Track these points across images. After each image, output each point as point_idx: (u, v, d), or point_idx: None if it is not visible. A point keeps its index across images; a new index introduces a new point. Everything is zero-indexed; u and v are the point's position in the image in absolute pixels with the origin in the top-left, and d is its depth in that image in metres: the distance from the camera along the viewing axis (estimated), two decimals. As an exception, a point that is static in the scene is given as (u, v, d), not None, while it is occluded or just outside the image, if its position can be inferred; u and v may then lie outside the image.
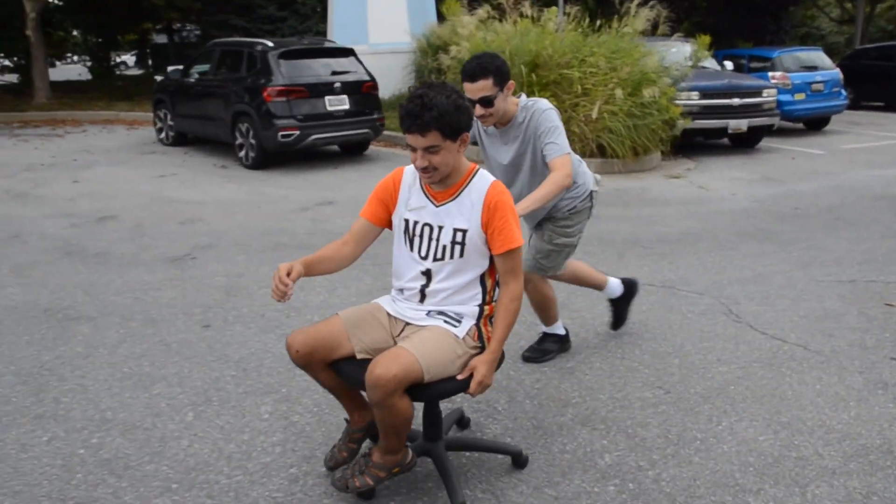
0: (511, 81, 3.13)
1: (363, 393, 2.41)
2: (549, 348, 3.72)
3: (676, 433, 2.96)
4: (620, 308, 3.91)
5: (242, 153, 9.20)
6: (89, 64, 21.24)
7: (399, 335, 2.53)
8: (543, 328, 3.75)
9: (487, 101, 3.04)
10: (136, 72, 22.28)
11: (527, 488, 2.63)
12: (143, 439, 2.96)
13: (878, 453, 2.81)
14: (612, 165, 8.67)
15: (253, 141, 8.94)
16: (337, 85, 8.98)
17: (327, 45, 10.05)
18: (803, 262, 5.24)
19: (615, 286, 3.84)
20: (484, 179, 2.46)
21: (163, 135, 11.44)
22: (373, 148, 10.57)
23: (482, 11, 10.25)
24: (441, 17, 13.42)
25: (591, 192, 3.42)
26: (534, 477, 2.71)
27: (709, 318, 4.20)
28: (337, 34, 12.98)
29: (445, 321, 2.47)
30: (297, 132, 8.66)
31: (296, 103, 8.69)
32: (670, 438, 2.93)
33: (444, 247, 2.47)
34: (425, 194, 2.50)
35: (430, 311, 2.52)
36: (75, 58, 21.89)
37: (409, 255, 2.54)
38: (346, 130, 9.16)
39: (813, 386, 3.36)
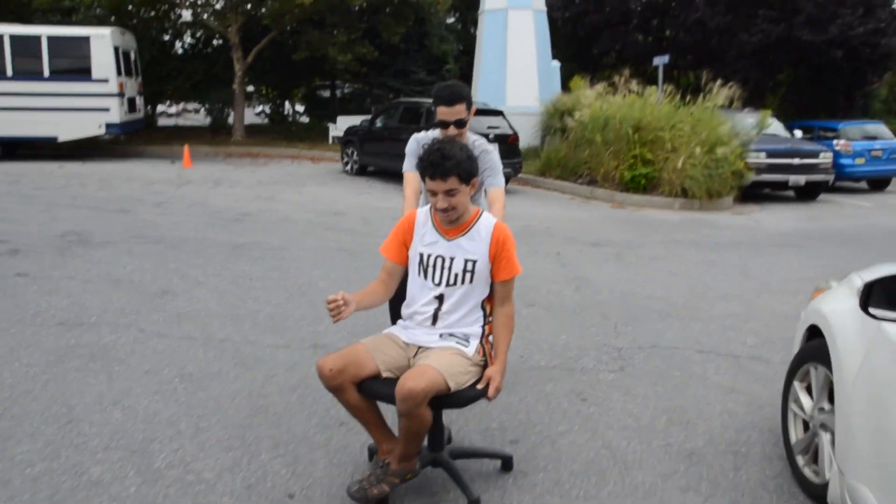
0: (474, 106, 3.60)
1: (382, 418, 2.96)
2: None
3: (691, 305, 5.99)
4: None
5: (418, 181, 12.68)
6: (268, 111, 25.87)
7: (414, 357, 2.92)
8: None
9: (462, 123, 3.48)
10: (295, 119, 26.80)
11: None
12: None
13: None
14: (692, 204, 11.64)
15: (427, 172, 12.39)
16: (491, 136, 12.34)
17: (483, 107, 13.53)
18: (804, 257, 8.12)
19: None
20: (489, 219, 2.96)
21: (348, 167, 15.15)
22: (511, 185, 13.87)
23: (600, 87, 13.58)
24: (564, 88, 16.76)
25: None
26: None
27: (729, 273, 7.20)
28: (481, 97, 16.46)
29: (457, 342, 2.89)
30: (462, 167, 12.06)
31: (461, 147, 12.11)
32: (682, 303, 5.97)
33: (457, 274, 2.91)
34: (437, 231, 2.95)
35: (441, 334, 2.94)
36: (258, 107, 26.52)
37: (422, 283, 2.97)
38: (494, 168, 12.49)
39: (779, 301, 6.32)
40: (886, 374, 2.29)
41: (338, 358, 2.79)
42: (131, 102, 17.35)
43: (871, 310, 2.29)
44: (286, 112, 26.51)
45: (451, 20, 25.57)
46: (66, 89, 15.93)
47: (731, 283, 6.79)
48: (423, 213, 3.02)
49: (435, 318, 2.95)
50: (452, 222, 2.91)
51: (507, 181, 12.99)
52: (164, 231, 8.62)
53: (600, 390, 4.15)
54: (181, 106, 27.21)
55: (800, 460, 3.09)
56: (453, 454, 3.10)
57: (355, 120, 17.39)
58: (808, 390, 3.12)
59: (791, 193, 13.75)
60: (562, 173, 13.71)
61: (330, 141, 20.43)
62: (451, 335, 2.92)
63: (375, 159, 14.31)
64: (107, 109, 16.17)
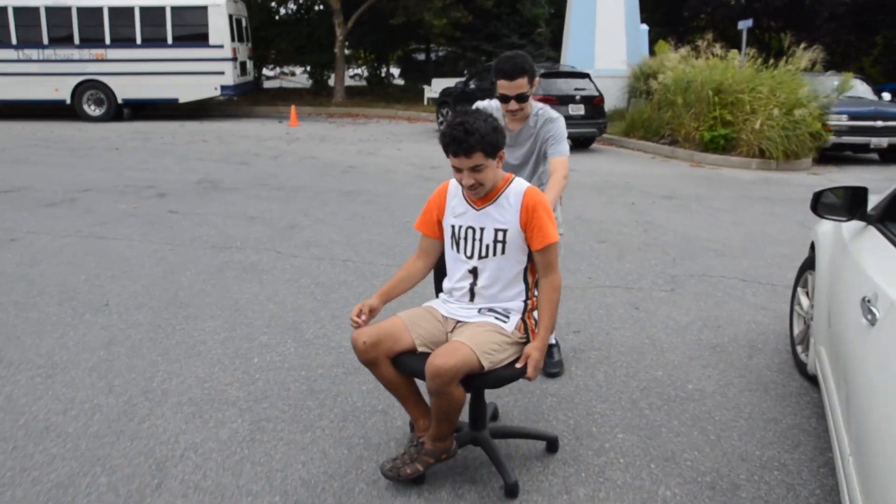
0: (537, 78, 3.47)
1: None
2: (557, 357, 3.96)
3: (745, 247, 6.76)
4: None
5: (507, 140, 13.59)
6: (366, 74, 27.17)
7: (452, 332, 2.81)
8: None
9: (523, 98, 3.40)
10: (400, 82, 28.04)
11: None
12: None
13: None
14: (769, 164, 12.15)
15: (516, 131, 13.30)
16: (577, 97, 13.14)
17: (571, 69, 14.29)
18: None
19: None
20: (520, 185, 2.79)
21: (443, 126, 16.15)
22: (595, 145, 14.62)
23: (683, 51, 14.11)
24: (652, 52, 17.24)
25: None
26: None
27: (788, 224, 7.86)
28: (570, 60, 17.15)
29: (496, 318, 2.76)
30: (548, 127, 12.90)
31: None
32: (738, 245, 6.74)
33: (488, 245, 2.77)
34: (466, 201, 2.81)
35: (480, 309, 2.81)
36: (356, 70, 27.87)
37: (456, 257, 2.86)
38: (580, 129, 13.30)
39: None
40: (836, 262, 3.16)
41: (372, 331, 2.72)
42: (242, 66, 18.83)
43: (819, 212, 3.16)
44: (383, 75, 27.78)
45: (543, -17, 26.06)
46: (186, 55, 17.49)
47: (788, 231, 7.49)
48: (454, 183, 2.88)
49: (472, 294, 2.84)
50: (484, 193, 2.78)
51: (592, 141, 14.06)
52: (283, 180, 9.87)
53: (651, 303, 5.06)
54: (278, 69, 28.80)
55: (798, 349, 3.96)
56: (495, 433, 3.02)
57: (449, 82, 18.39)
58: (808, 294, 3.97)
59: (875, 156, 13.98)
60: (645, 134, 14.35)
61: (425, 102, 21.46)
62: (490, 310, 2.80)
63: (466, 119, 15.30)
64: (222, 73, 17.69)
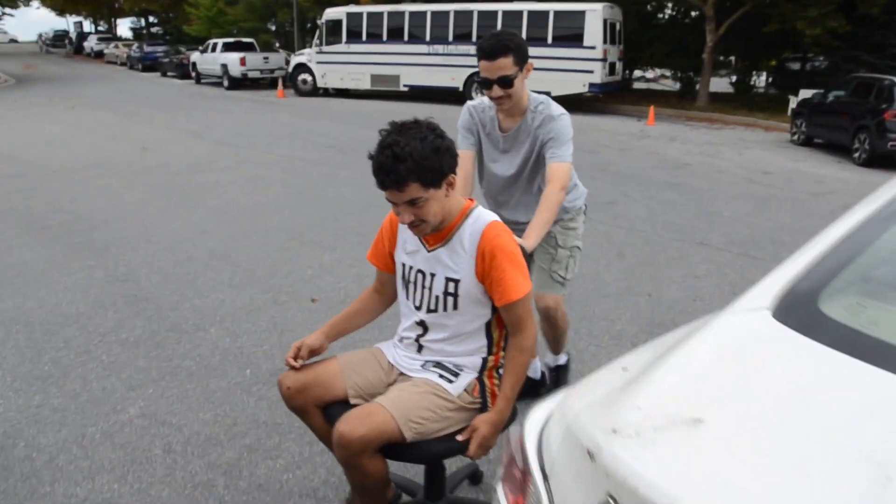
0: (530, 63, 2.88)
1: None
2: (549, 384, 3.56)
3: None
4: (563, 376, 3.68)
5: (857, 154, 13.36)
6: (733, 80, 27.27)
7: (393, 383, 2.36)
8: (550, 361, 3.61)
9: (506, 81, 2.81)
10: (767, 91, 27.57)
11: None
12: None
13: None
14: None
15: (867, 146, 13.04)
16: (936, 114, 12.50)
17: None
18: None
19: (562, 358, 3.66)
20: (478, 221, 2.23)
21: (795, 137, 16.19)
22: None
23: None
24: None
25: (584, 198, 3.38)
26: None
27: None
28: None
29: (441, 375, 2.27)
30: (905, 144, 12.50)
31: (907, 124, 12.54)
32: None
33: (437, 297, 2.27)
34: (419, 237, 2.29)
35: (425, 363, 2.34)
36: (723, 74, 28.03)
37: (405, 303, 2.40)
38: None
39: None
40: None
41: (300, 375, 2.32)
42: (611, 66, 20.49)
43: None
44: (752, 82, 27.51)
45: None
46: (561, 53, 19.64)
47: None
48: None
49: (419, 347, 2.39)
50: (432, 230, 2.24)
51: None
52: (620, 167, 11.32)
53: None
54: (659, 73, 29.89)
55: None
56: None
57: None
58: None
59: None
60: None
61: (788, 112, 21.13)
62: (436, 365, 2.33)
63: (820, 130, 15.17)
64: (591, 72, 19.55)
